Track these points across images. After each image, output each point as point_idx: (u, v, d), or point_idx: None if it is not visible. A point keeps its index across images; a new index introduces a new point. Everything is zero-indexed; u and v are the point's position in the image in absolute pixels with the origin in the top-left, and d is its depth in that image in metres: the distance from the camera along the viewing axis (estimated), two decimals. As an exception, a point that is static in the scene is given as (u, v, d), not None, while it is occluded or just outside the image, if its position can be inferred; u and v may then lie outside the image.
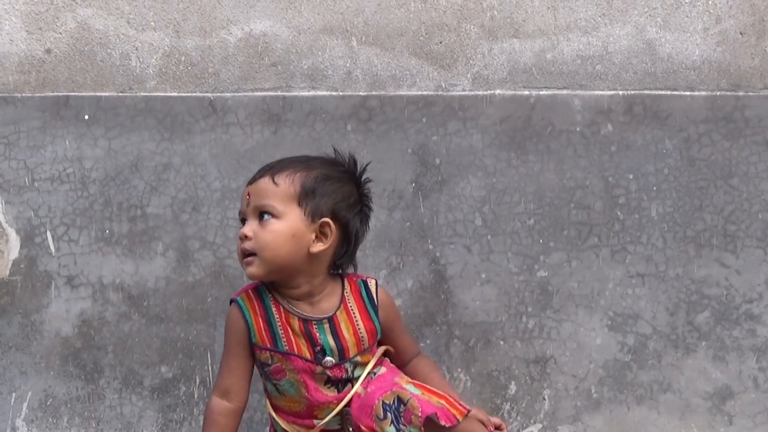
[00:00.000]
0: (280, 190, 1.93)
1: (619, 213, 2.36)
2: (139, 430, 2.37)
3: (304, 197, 1.94)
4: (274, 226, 1.92)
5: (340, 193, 1.97)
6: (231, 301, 2.00)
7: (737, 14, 2.38)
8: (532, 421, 2.37)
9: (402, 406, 1.87)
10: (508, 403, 2.37)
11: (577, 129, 2.36)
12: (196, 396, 2.36)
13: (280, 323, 1.96)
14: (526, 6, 2.38)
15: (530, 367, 2.37)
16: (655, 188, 2.36)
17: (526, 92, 2.37)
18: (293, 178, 1.94)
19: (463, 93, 2.37)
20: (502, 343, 2.37)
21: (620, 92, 2.37)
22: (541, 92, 2.37)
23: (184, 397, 2.36)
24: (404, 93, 2.37)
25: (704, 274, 2.36)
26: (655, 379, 2.36)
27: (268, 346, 1.95)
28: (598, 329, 2.36)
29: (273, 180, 1.94)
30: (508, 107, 2.36)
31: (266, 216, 1.92)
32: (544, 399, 2.37)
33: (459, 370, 2.36)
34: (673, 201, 2.36)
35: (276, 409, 2.00)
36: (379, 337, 2.00)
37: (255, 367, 2.00)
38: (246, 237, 1.91)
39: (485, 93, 2.37)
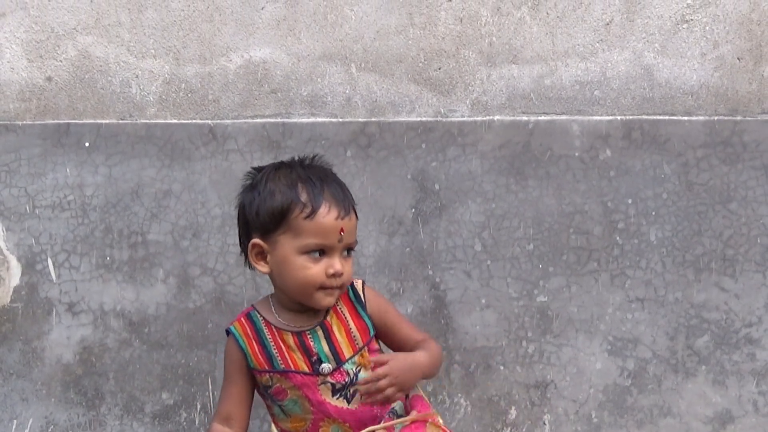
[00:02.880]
0: (357, 224, 1.99)
1: (618, 238, 2.37)
2: (140, 457, 2.37)
3: None
4: (352, 259, 1.97)
5: None
6: (227, 332, 2.01)
7: (734, 39, 2.39)
8: (532, 446, 2.38)
9: None
10: (509, 428, 2.37)
11: (576, 154, 2.37)
12: (197, 422, 2.36)
13: (273, 343, 1.97)
14: (524, 32, 2.39)
15: (530, 392, 2.37)
16: (653, 213, 2.36)
17: (525, 118, 2.38)
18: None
19: (462, 119, 2.38)
20: (502, 368, 2.37)
21: (618, 117, 2.38)
22: (539, 118, 2.38)
23: (185, 424, 2.37)
24: (403, 119, 2.38)
25: (703, 299, 2.36)
26: (655, 404, 2.37)
27: (266, 368, 1.96)
28: (597, 354, 2.37)
29: (356, 215, 1.97)
30: (507, 133, 2.37)
31: (351, 252, 1.96)
32: (544, 424, 2.37)
33: (459, 395, 2.36)
34: (672, 225, 2.37)
35: None
36: (372, 333, 1.99)
37: (257, 392, 2.01)
38: (342, 274, 1.92)
39: (484, 119, 2.38)
